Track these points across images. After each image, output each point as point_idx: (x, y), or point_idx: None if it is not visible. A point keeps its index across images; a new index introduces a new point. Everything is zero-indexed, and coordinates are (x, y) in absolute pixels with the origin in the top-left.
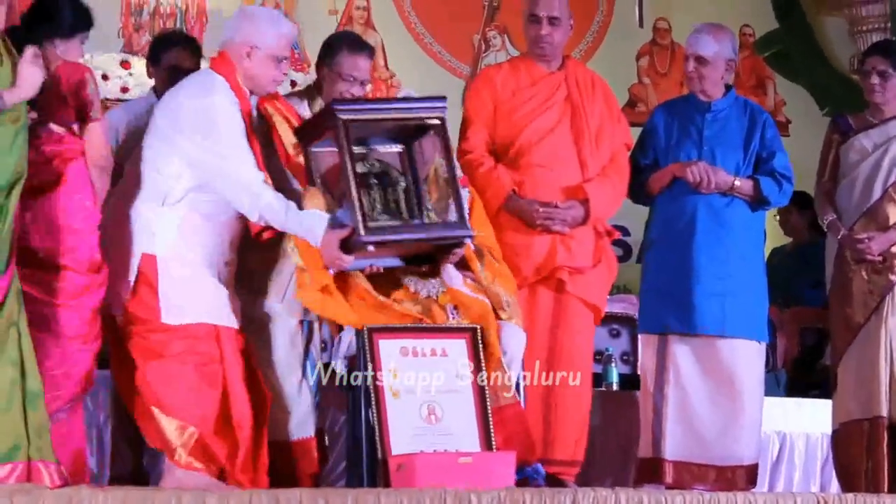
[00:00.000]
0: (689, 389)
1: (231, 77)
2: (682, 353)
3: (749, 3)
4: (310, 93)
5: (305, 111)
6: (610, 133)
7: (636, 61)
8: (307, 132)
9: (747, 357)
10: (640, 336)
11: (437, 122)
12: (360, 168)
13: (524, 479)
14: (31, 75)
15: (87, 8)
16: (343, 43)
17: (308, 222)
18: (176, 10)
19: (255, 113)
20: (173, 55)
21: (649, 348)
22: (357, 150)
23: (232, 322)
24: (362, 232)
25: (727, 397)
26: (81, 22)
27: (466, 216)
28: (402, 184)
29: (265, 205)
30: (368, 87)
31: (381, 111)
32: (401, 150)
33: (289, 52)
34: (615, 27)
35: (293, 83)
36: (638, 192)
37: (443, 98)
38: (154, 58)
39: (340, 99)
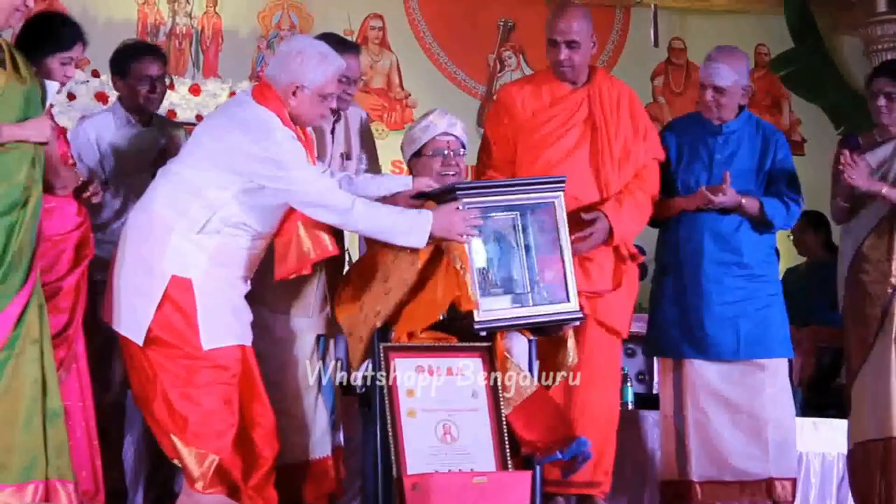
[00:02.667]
0: (708, 410)
1: (280, 113)
2: (698, 374)
3: (764, 23)
4: None
5: None
6: (634, 151)
7: (651, 81)
8: (430, 199)
9: (767, 373)
10: (656, 359)
11: (553, 202)
12: (477, 237)
13: (574, 457)
14: (41, 122)
15: (76, 24)
16: (329, 45)
17: (415, 218)
18: (192, 30)
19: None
20: (145, 65)
21: (666, 371)
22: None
23: (250, 339)
24: (476, 317)
25: (747, 414)
26: (79, 37)
27: (576, 295)
28: (518, 254)
29: (358, 213)
30: (360, 83)
31: (500, 193)
32: (516, 220)
33: (336, 87)
34: (630, 47)
35: None
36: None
37: (561, 180)
38: (121, 70)
39: (462, 183)
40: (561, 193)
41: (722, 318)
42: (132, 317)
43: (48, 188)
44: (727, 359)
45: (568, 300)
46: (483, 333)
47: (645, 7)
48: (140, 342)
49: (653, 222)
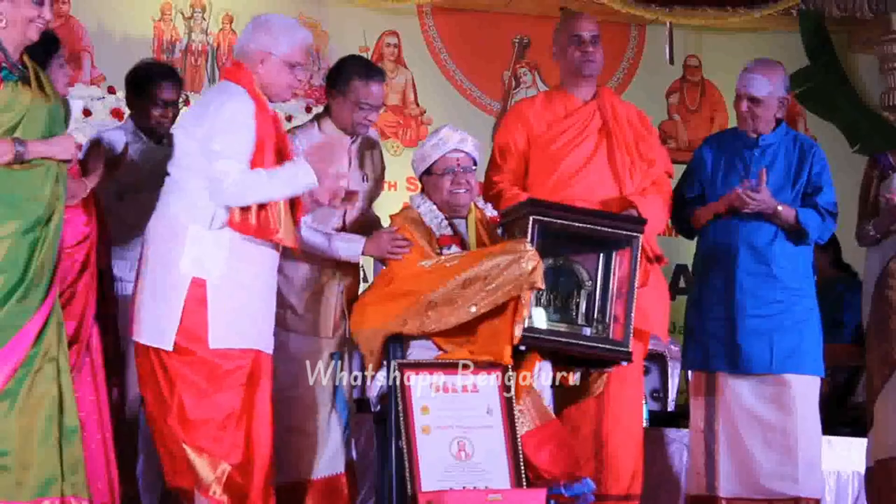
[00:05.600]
0: (740, 425)
1: (249, 86)
2: (731, 388)
3: (780, 41)
4: (319, 118)
5: (316, 137)
6: (650, 159)
7: (666, 98)
8: (508, 218)
9: (798, 391)
10: (689, 373)
11: (631, 240)
12: (546, 263)
13: (574, 496)
14: (66, 140)
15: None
16: (355, 69)
17: (293, 174)
18: (207, 47)
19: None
20: (161, 89)
21: (698, 385)
22: (550, 246)
23: (271, 347)
24: (517, 331)
25: (780, 432)
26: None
27: (630, 337)
28: (588, 289)
29: (232, 182)
30: (381, 111)
31: (574, 220)
32: (596, 257)
33: (304, 58)
34: (645, 64)
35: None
36: (684, 225)
37: (642, 221)
38: (136, 90)
39: (538, 199)
40: (640, 235)
41: (756, 331)
42: (158, 325)
43: None
44: (760, 372)
45: (622, 341)
46: (523, 347)
47: (660, 24)
48: (170, 347)
49: (689, 232)
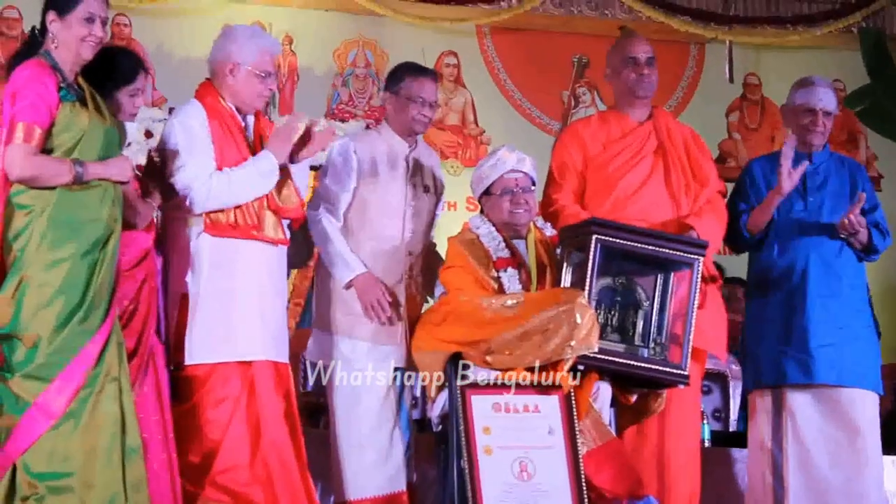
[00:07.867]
0: (809, 442)
1: (213, 99)
2: (799, 405)
3: (840, 58)
4: (381, 128)
5: (376, 142)
6: (702, 177)
7: (726, 116)
8: (568, 235)
9: (865, 407)
10: (751, 392)
11: (691, 263)
12: (606, 282)
13: None
14: (122, 161)
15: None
16: (406, 69)
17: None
18: None
19: (249, 132)
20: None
21: (762, 404)
22: (609, 265)
23: (271, 355)
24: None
25: (849, 449)
26: (141, 66)
27: (688, 361)
28: (646, 309)
29: (198, 187)
30: (438, 111)
31: (636, 241)
32: (654, 277)
33: (272, 67)
34: (705, 82)
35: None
36: (737, 237)
37: (704, 245)
38: None
39: (601, 219)
40: (701, 258)
41: (825, 342)
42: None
43: (127, 225)
44: (831, 383)
45: (680, 364)
46: (581, 367)
47: (720, 43)
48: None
49: (742, 243)
